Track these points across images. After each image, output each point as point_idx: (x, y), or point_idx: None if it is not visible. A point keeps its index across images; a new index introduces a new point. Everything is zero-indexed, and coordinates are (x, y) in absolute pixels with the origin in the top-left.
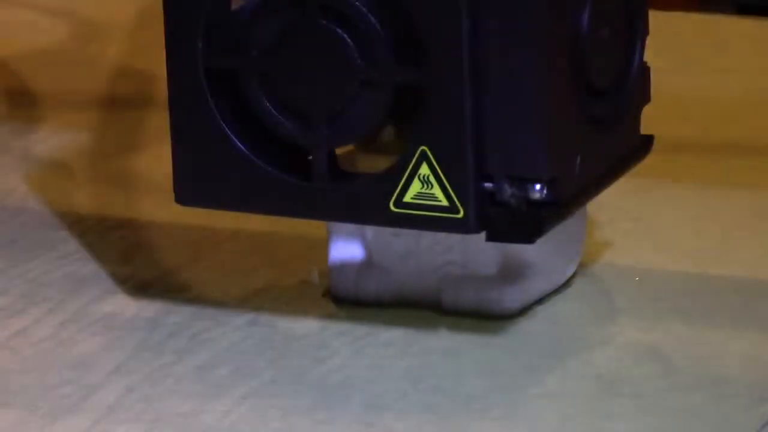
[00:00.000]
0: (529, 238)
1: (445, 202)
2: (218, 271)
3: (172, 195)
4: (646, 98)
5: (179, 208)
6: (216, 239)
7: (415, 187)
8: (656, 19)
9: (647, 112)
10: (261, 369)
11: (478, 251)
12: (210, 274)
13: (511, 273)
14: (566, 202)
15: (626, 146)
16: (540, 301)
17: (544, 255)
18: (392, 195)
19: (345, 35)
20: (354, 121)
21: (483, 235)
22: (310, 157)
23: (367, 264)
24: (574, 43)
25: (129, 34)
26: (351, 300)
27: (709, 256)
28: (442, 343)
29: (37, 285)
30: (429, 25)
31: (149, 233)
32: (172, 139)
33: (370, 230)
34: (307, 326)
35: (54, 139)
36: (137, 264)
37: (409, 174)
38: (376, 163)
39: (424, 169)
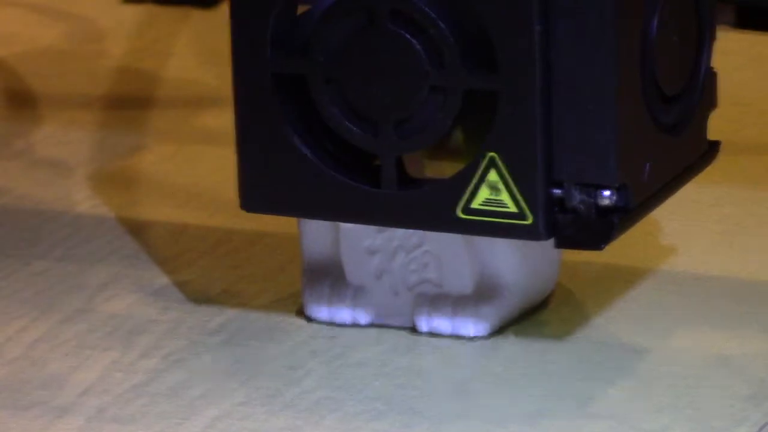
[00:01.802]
0: (599, 244)
1: (513, 209)
2: (194, 288)
3: (173, 195)
4: (712, 104)
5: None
6: (194, 253)
7: (484, 193)
8: None
9: None
10: (233, 390)
11: (453, 271)
12: (185, 290)
13: (486, 294)
14: (635, 208)
15: (693, 152)
16: (516, 321)
17: (520, 276)
18: (460, 201)
19: (414, 41)
20: (422, 127)
21: (458, 254)
22: (378, 163)
23: (342, 283)
24: (644, 49)
25: (129, 35)
26: (325, 319)
27: (690, 274)
28: (417, 364)
29: (14, 299)
30: (500, 31)
31: (146, 234)
32: (237, 144)
33: (344, 249)
34: (280, 346)
35: (54, 139)
36: (116, 279)
37: (477, 180)
38: (444, 169)
39: (493, 176)
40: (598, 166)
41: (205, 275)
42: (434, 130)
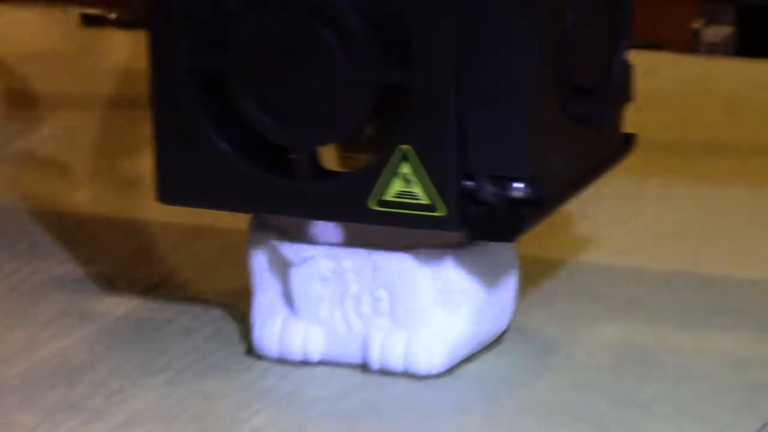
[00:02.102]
0: (510, 236)
1: (426, 201)
2: (144, 319)
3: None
4: (628, 97)
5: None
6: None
7: (397, 185)
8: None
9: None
10: (180, 430)
11: (406, 307)
12: (135, 323)
13: (439, 331)
14: (547, 200)
15: (609, 144)
16: (470, 358)
17: (474, 313)
18: (373, 193)
19: (328, 35)
20: (336, 121)
21: (412, 290)
22: (293, 156)
23: (292, 320)
24: (557, 42)
25: (129, 35)
26: (275, 357)
27: (646, 314)
28: (368, 403)
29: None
30: (414, 26)
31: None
32: (154, 137)
33: (295, 285)
34: (228, 385)
35: (54, 139)
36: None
37: (390, 172)
38: (358, 162)
39: (405, 168)
40: (510, 158)
41: (154, 308)
42: (348, 123)
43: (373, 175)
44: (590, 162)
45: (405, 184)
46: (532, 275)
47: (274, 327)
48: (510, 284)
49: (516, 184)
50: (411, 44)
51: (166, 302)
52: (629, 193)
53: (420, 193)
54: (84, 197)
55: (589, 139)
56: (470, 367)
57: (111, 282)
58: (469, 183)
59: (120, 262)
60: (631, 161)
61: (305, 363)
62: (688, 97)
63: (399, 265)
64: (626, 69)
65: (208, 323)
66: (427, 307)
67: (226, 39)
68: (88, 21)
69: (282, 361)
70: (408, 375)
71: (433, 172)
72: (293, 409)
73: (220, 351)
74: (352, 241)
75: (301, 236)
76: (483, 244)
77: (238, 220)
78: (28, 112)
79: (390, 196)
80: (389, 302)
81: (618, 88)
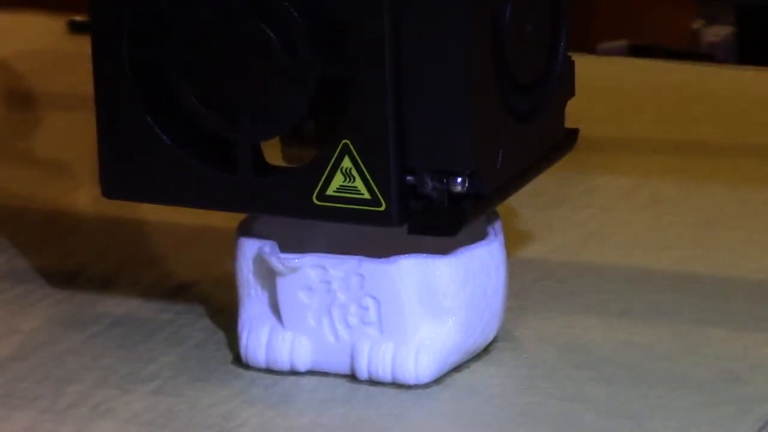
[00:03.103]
0: (451, 231)
1: (367, 195)
2: (132, 328)
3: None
4: (570, 93)
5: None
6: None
7: (338, 180)
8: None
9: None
10: None
11: (394, 316)
12: (123, 331)
13: (426, 340)
14: (488, 195)
15: (550, 140)
16: (458, 368)
17: (462, 323)
18: (315, 188)
19: (268, 29)
20: (277, 115)
21: (399, 299)
22: (236, 151)
23: (279, 329)
24: (496, 37)
25: None
26: (262, 366)
27: (637, 323)
28: (354, 413)
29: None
30: (351, 19)
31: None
32: (98, 132)
33: (281, 295)
34: (214, 395)
35: (54, 139)
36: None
37: (331, 167)
38: (301, 157)
39: (347, 163)
40: (450, 153)
41: (148, 310)
42: (288, 117)
43: (315, 170)
44: (532, 157)
45: (346, 179)
46: (521, 283)
47: (261, 337)
48: (498, 293)
49: (456, 179)
50: (349, 39)
51: (161, 305)
52: (625, 194)
53: (361, 188)
54: (84, 197)
55: (531, 134)
56: (458, 376)
57: (110, 282)
58: (410, 178)
59: (120, 262)
60: (628, 161)
61: (292, 373)
62: (685, 98)
63: (386, 274)
64: (567, 64)
65: (199, 330)
66: (415, 317)
67: (166, 33)
68: (76, 27)
69: (269, 370)
70: (396, 385)
71: (374, 167)
72: (280, 419)
73: (208, 360)
74: (339, 250)
75: (288, 245)
76: (471, 253)
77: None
78: (28, 112)
79: (331, 190)
80: (376, 312)
81: (560, 83)
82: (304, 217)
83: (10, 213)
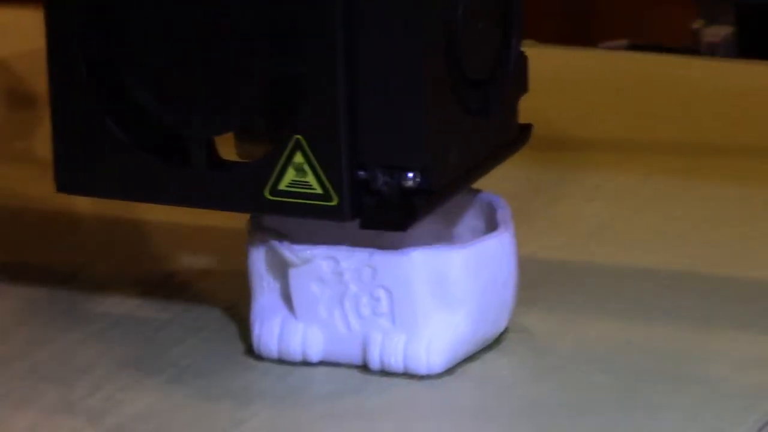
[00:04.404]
0: (402, 226)
1: (319, 190)
2: (143, 319)
3: None
4: (523, 88)
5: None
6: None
7: (290, 175)
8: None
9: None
10: (177, 431)
11: (406, 307)
12: (135, 324)
13: (438, 331)
14: (440, 190)
15: (503, 135)
16: (469, 358)
17: (473, 314)
18: (267, 183)
19: (221, 25)
20: (229, 110)
21: (410, 291)
22: (189, 145)
23: (292, 320)
24: (448, 33)
25: None
26: (275, 357)
27: (642, 317)
28: (368, 404)
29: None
30: (303, 15)
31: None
32: (52, 126)
33: (293, 286)
34: (227, 385)
35: None
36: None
37: (283, 162)
38: (254, 152)
39: (299, 158)
40: (402, 148)
41: (154, 308)
42: (241, 113)
43: (267, 165)
44: (485, 152)
45: (298, 174)
46: (531, 275)
47: (273, 328)
48: (509, 284)
49: (408, 174)
50: (301, 34)
51: (166, 302)
52: (630, 190)
53: (313, 183)
54: (84, 197)
55: (484, 129)
56: (470, 366)
57: (112, 282)
58: (361, 173)
59: (120, 262)
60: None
61: (305, 363)
62: (688, 97)
63: (398, 265)
64: (521, 60)
65: (208, 324)
66: (427, 308)
67: (120, 28)
68: None
69: (281, 361)
70: (408, 375)
71: (326, 162)
72: (292, 409)
73: (219, 352)
74: (351, 241)
75: (299, 237)
76: (482, 244)
77: (238, 220)
78: (28, 112)
79: (284, 185)
80: (388, 303)
81: (513, 79)
82: (257, 211)
83: (10, 213)
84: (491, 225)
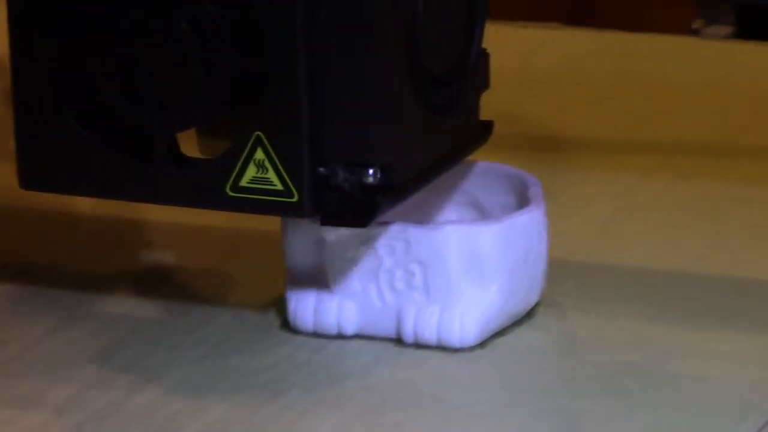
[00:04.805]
0: (363, 222)
1: (279, 186)
2: (176, 297)
3: None
4: (485, 85)
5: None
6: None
7: (251, 171)
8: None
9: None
10: (213, 405)
11: (439, 281)
12: (167, 300)
13: (472, 304)
14: (401, 186)
15: (465, 132)
16: (501, 332)
17: (506, 286)
18: (228, 179)
19: (183, 22)
20: (192, 108)
21: (444, 266)
22: (153, 142)
23: (326, 293)
24: (408, 29)
25: None
26: (309, 331)
27: (672, 294)
28: (402, 376)
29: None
30: (263, 11)
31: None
32: (15, 122)
33: (329, 260)
34: (262, 359)
35: None
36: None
37: (244, 159)
38: (216, 149)
39: (259, 154)
40: (361, 145)
41: (187, 286)
42: (204, 110)
43: (229, 162)
44: (446, 149)
45: (259, 170)
46: (560, 252)
47: (309, 302)
48: (540, 259)
49: (368, 171)
50: (261, 31)
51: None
52: (652, 171)
53: (274, 179)
54: (83, 198)
55: (446, 126)
56: (502, 340)
57: (110, 282)
58: (322, 169)
59: (120, 262)
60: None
61: (339, 337)
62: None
63: (431, 240)
64: (482, 56)
65: (238, 302)
66: (460, 282)
67: (84, 25)
68: None
69: (316, 335)
70: (441, 348)
71: (286, 158)
72: (328, 382)
73: (253, 327)
74: (385, 216)
75: None
76: (514, 220)
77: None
78: None
79: (245, 182)
80: (422, 277)
81: (474, 76)
82: (218, 208)
83: (9, 212)
84: (522, 202)
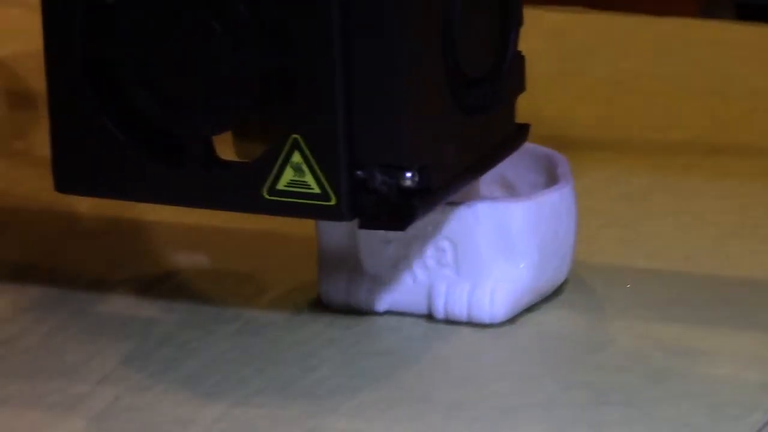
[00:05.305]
0: (400, 225)
1: (317, 190)
2: (208, 278)
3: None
4: (520, 87)
5: (176, 210)
6: (206, 244)
7: (288, 174)
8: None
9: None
10: (249, 378)
11: (470, 258)
12: (200, 281)
13: (502, 281)
14: (438, 189)
15: (501, 134)
16: (531, 308)
17: (535, 264)
18: (265, 183)
19: (215, 23)
20: (225, 110)
21: (474, 243)
22: (186, 145)
23: (358, 271)
24: (444, 31)
25: None
26: (341, 308)
27: (702, 266)
28: (433, 352)
29: (27, 291)
30: (297, 11)
31: (146, 234)
32: (50, 126)
33: (360, 237)
34: (296, 335)
35: None
36: (128, 270)
37: (281, 162)
38: (253, 151)
39: (296, 157)
40: (398, 147)
41: (219, 266)
42: (236, 112)
43: (265, 165)
44: (483, 151)
45: (296, 174)
46: (588, 228)
47: (340, 279)
48: (569, 236)
49: (405, 174)
50: (297, 32)
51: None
52: (681, 149)
53: (311, 182)
54: (83, 198)
55: (482, 128)
56: (531, 316)
57: (110, 281)
58: (359, 172)
59: (120, 261)
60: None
61: (370, 314)
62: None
63: (462, 218)
64: (518, 58)
65: (276, 279)
66: (490, 259)
67: (116, 28)
68: None
69: (348, 311)
70: (471, 324)
71: (324, 162)
72: (360, 358)
73: (288, 303)
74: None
75: None
76: (544, 197)
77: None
78: (28, 112)
79: (282, 185)
80: (452, 254)
81: (510, 78)
82: (255, 211)
83: (9, 212)
84: (551, 180)
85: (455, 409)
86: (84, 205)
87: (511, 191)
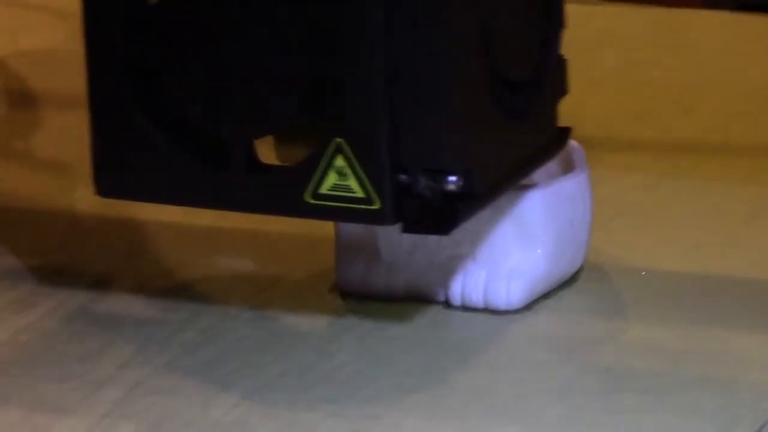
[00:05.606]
0: (445, 229)
1: (361, 194)
2: (225, 269)
3: None
4: (563, 91)
5: (179, 209)
6: (219, 238)
7: (331, 178)
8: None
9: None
10: (268, 363)
11: (486, 246)
12: (216, 271)
13: (517, 267)
14: (481, 193)
15: (543, 138)
16: (547, 295)
17: (551, 252)
18: (308, 186)
19: (260, 28)
20: (269, 114)
21: (491, 229)
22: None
23: (375, 258)
24: (487, 37)
25: None
26: (359, 294)
27: (713, 253)
28: (450, 338)
29: (44, 282)
30: (342, 17)
31: (151, 231)
32: (91, 131)
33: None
34: (314, 321)
35: (54, 140)
36: (142, 261)
37: (325, 166)
38: (295, 155)
39: (340, 161)
40: (442, 152)
41: (237, 254)
42: (280, 116)
43: (308, 169)
44: (524, 155)
45: (340, 178)
46: (603, 217)
47: (358, 265)
48: (584, 224)
49: (449, 178)
50: (340, 35)
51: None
52: (698, 140)
53: (355, 187)
54: (84, 197)
55: (523, 132)
56: (547, 303)
57: (111, 281)
58: (403, 176)
59: (120, 261)
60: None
61: (388, 300)
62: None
63: None
64: (560, 62)
65: (295, 266)
66: (506, 246)
67: (160, 33)
68: None
69: (365, 298)
70: (488, 310)
71: (367, 166)
72: (377, 343)
73: (307, 290)
74: None
75: None
76: (560, 185)
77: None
78: (28, 112)
79: (325, 189)
80: (469, 241)
81: (552, 82)
82: (297, 215)
83: (9, 212)
84: (567, 168)
85: (475, 393)
86: (84, 205)
87: (528, 179)
